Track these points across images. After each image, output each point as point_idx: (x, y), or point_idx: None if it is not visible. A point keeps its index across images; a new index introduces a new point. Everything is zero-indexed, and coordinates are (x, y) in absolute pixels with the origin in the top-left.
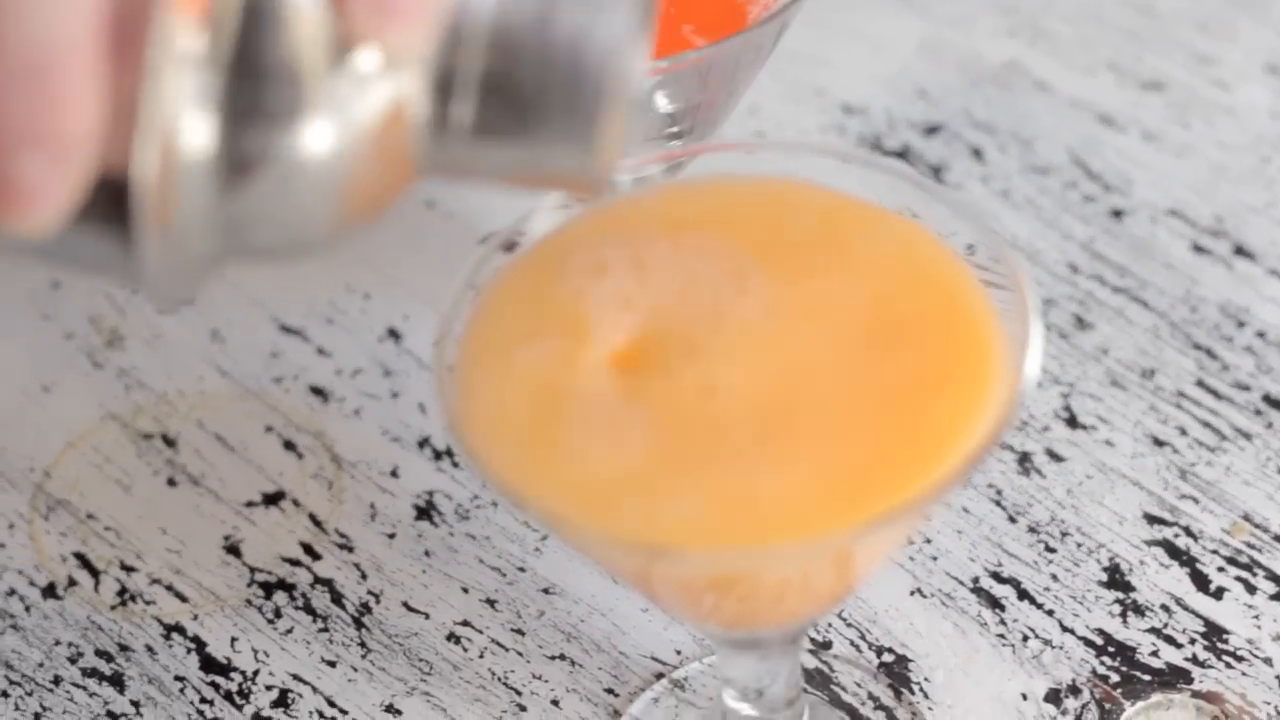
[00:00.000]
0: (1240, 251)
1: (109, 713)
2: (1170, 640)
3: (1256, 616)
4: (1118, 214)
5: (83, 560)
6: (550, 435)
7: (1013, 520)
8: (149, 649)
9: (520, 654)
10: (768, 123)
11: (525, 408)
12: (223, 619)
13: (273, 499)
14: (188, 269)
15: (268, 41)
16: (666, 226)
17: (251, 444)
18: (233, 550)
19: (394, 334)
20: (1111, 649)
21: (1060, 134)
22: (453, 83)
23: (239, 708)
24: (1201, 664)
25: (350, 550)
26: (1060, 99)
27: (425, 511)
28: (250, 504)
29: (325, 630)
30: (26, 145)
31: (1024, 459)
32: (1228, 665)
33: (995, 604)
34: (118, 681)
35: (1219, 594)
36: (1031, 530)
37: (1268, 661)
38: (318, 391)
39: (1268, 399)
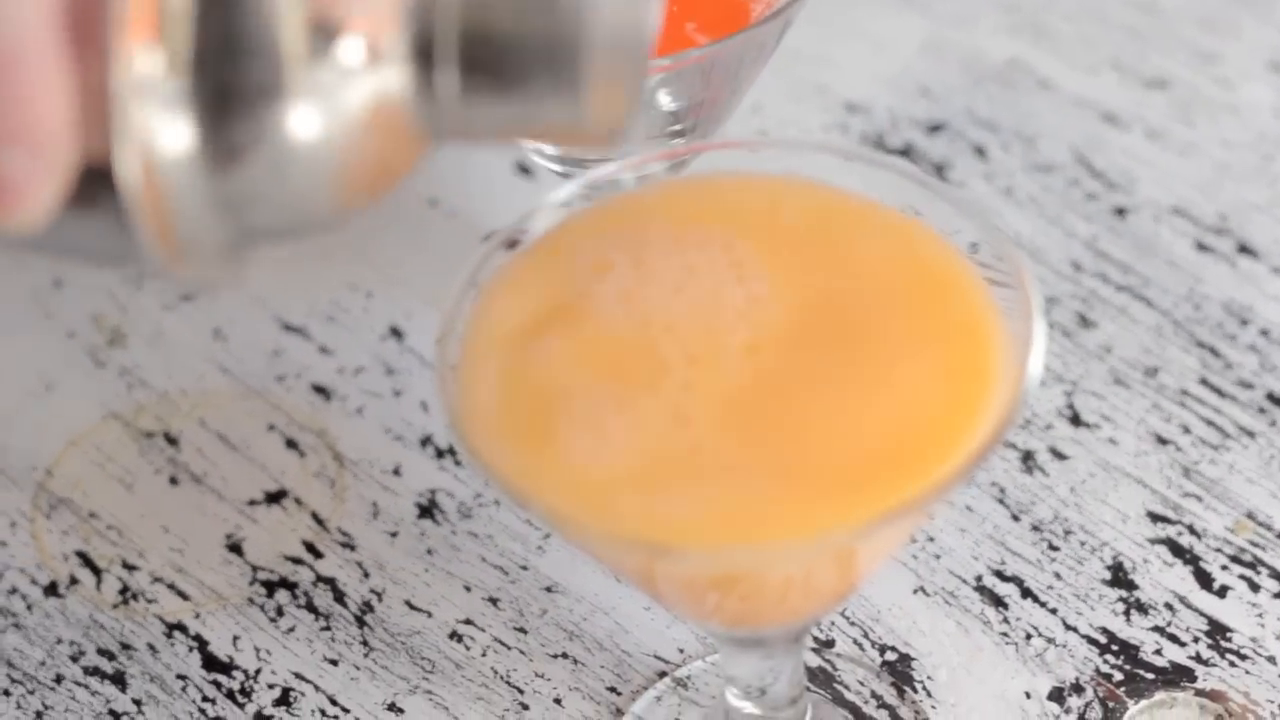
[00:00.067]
0: (1244, 249)
1: (111, 711)
2: (1174, 639)
3: (1260, 615)
4: (1121, 212)
5: (85, 559)
6: (552, 433)
7: (1016, 518)
8: (151, 647)
9: (523, 652)
10: (770, 121)
11: (527, 406)
12: (225, 617)
13: (275, 497)
14: (201, 254)
15: (235, 27)
16: (669, 225)
17: (254, 442)
18: (235, 549)
19: (396, 332)
20: (1115, 647)
21: (1063, 132)
22: (432, 49)
23: (241, 706)
24: (1205, 662)
25: (352, 549)
26: (1063, 97)
27: (427, 510)
28: (252, 502)
29: (327, 629)
30: (3, 141)
31: (1027, 457)
32: (1231, 664)
33: (998, 602)
34: (120, 680)
35: (1222, 592)
36: (1035, 528)
37: (1271, 660)
38: (320, 390)
39: (1271, 397)
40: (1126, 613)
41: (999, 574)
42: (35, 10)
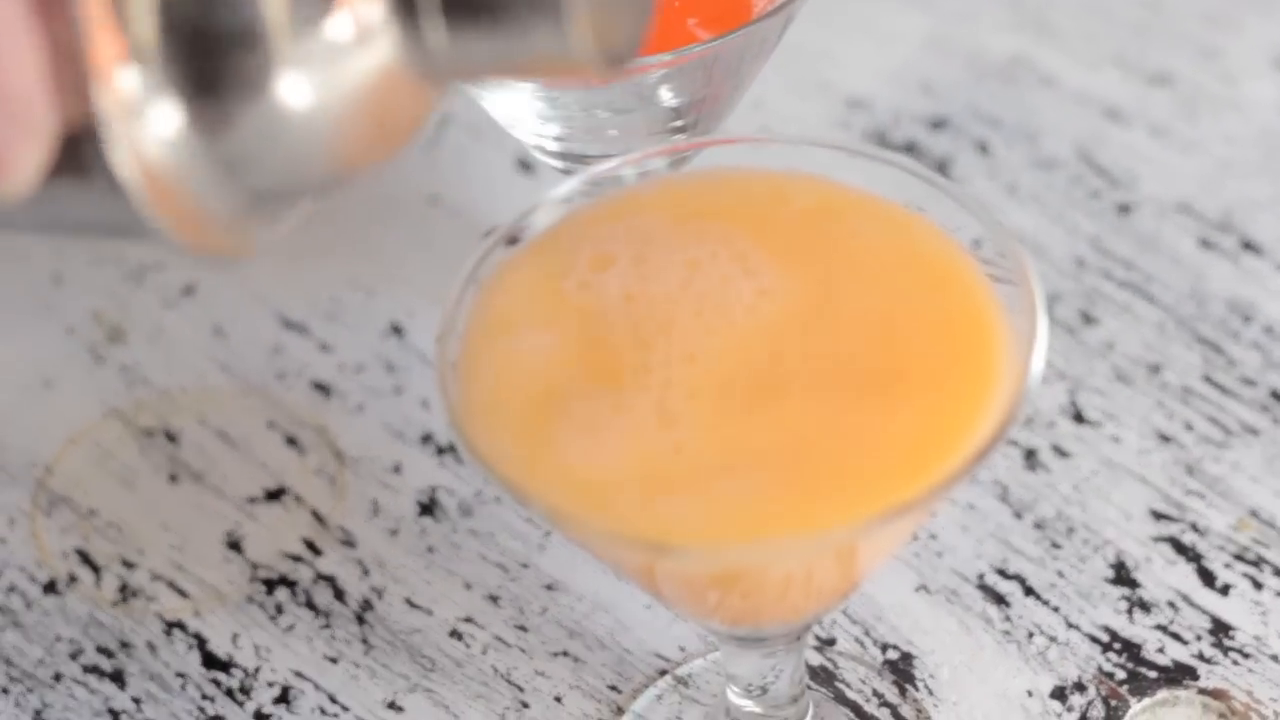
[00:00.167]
0: (1247, 246)
1: (110, 710)
2: (1176, 637)
3: (1263, 613)
4: (1124, 209)
5: (84, 556)
6: (553, 431)
7: (1018, 516)
8: (150, 645)
9: (523, 650)
10: (772, 117)
11: (528, 403)
12: (224, 615)
13: (275, 495)
14: (208, 219)
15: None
16: (670, 221)
17: (253, 440)
18: (234, 546)
19: (397, 329)
20: (1117, 646)
21: (1066, 129)
22: (414, 1)
23: (240, 705)
24: (1208, 661)
25: (352, 546)
26: (1066, 93)
27: (428, 507)
28: (252, 500)
29: (327, 627)
30: None
31: (1030, 455)
32: (1234, 662)
33: (1000, 600)
34: (119, 678)
35: (1225, 590)
36: (1037, 526)
37: (1274, 658)
38: (320, 387)
39: (1275, 394)
40: (1129, 611)
41: (1001, 572)
42: None
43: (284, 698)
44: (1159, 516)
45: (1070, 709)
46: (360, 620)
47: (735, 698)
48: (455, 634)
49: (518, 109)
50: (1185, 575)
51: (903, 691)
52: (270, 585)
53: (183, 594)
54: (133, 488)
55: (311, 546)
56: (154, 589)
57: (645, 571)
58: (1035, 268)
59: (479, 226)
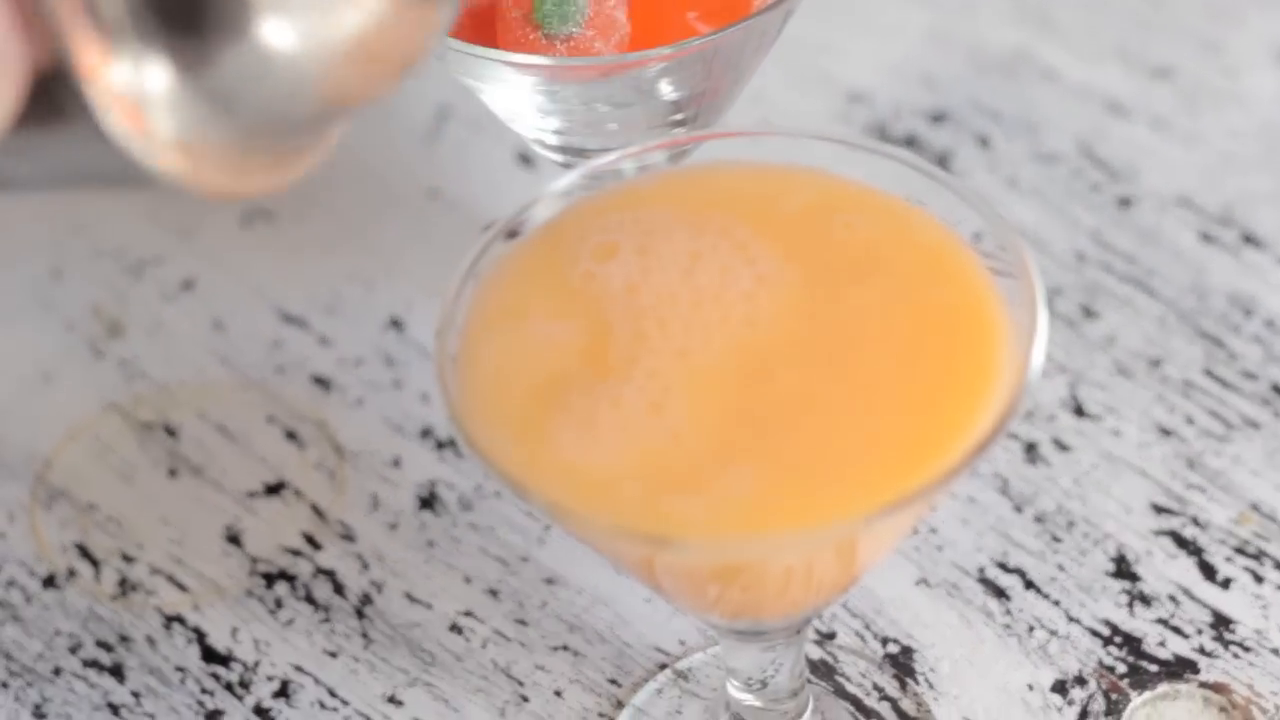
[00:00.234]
0: (1248, 240)
1: (109, 703)
2: (1177, 630)
3: (1264, 606)
4: (1125, 202)
5: (83, 550)
6: (553, 424)
7: (1019, 510)
8: (149, 639)
9: (523, 644)
10: (773, 110)
11: (528, 397)
12: (224, 609)
13: (274, 489)
14: (200, 158)
15: None
16: (671, 214)
17: (253, 434)
18: (234, 540)
19: (396, 323)
20: (1118, 639)
21: (1067, 122)
22: None
23: (240, 699)
24: (1209, 654)
25: (352, 540)
26: (1067, 87)
27: (428, 501)
28: (251, 494)
29: (327, 621)
30: None
31: (1030, 448)
32: (1235, 656)
33: (1001, 594)
34: (118, 672)
35: (1226, 584)
36: (1038, 520)
37: (1275, 652)
38: (320, 381)
39: (1275, 388)
40: (1130, 604)
41: (1002, 565)
42: None
43: (283, 692)
44: (1160, 510)
45: (1071, 702)
46: (360, 614)
47: (735, 691)
48: (455, 628)
49: (518, 103)
50: (1186, 569)
51: (903, 685)
52: (270, 579)
53: (182, 588)
54: (132, 482)
55: (311, 541)
56: (153, 583)
57: (645, 565)
58: (1036, 261)
59: (479, 220)
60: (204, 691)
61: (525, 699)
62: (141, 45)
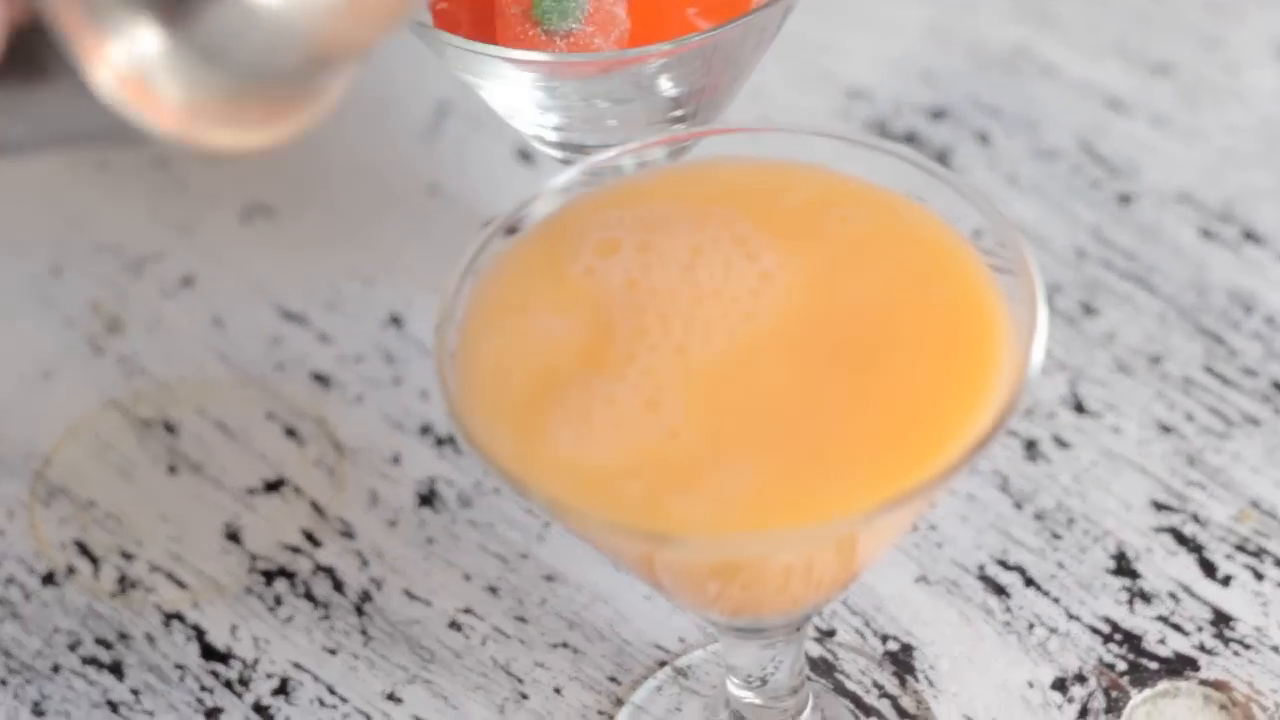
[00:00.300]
0: (1248, 236)
1: (108, 701)
2: (1177, 628)
3: (1264, 604)
4: (1125, 199)
5: (82, 548)
6: (552, 421)
7: (1019, 507)
8: (149, 637)
9: (522, 642)
10: (773, 107)
11: (527, 394)
12: (223, 607)
13: (274, 486)
14: (187, 111)
15: None
16: (670, 210)
17: (252, 431)
18: (233, 537)
19: (396, 320)
20: (1118, 637)
21: (1067, 118)
22: None
23: (239, 696)
24: (1209, 652)
25: (351, 537)
26: (1067, 83)
27: (427, 498)
28: (251, 491)
29: (326, 618)
30: None
31: (1030, 445)
32: (1235, 653)
33: (1001, 591)
34: (117, 669)
35: (1226, 581)
36: (1037, 517)
37: (1275, 649)
38: (319, 378)
39: (1276, 385)
40: (1130, 602)
41: (1001, 563)
42: None
43: (283, 689)
44: (1160, 507)
45: (1071, 700)
46: (359, 611)
47: (735, 689)
48: (454, 625)
49: (517, 99)
50: (1186, 566)
51: (903, 683)
52: (269, 576)
53: (181, 585)
54: (131, 479)
55: (310, 538)
56: (152, 580)
57: (645, 562)
58: (1036, 258)
59: (478, 216)
60: (203, 689)
61: (524, 696)
62: (124, 2)
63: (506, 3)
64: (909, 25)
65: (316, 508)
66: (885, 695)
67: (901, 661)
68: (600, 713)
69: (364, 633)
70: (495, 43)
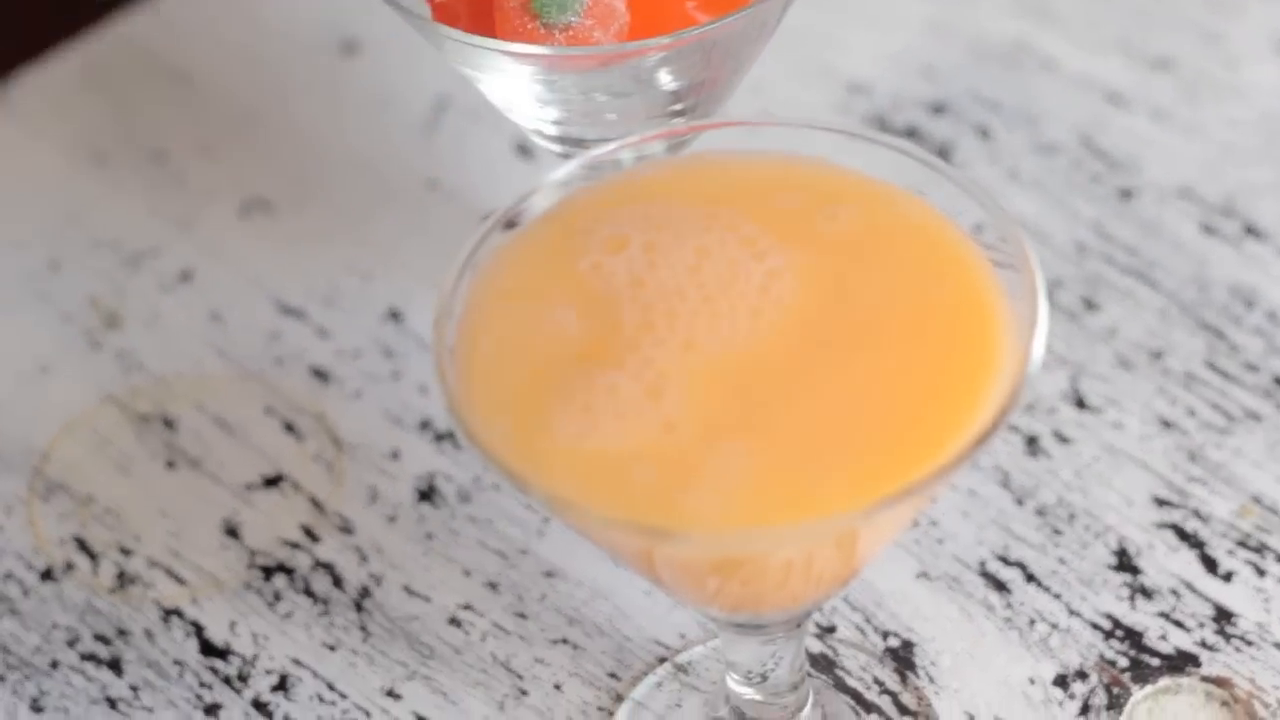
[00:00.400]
0: (1249, 231)
1: (107, 697)
2: (1179, 624)
3: (1266, 600)
4: (1126, 194)
5: (81, 543)
6: (552, 417)
7: (1020, 503)
8: (147, 633)
9: (522, 638)
10: (772, 100)
11: (527, 389)
12: (222, 602)
13: (272, 481)
14: None
15: None
16: (670, 204)
17: (251, 426)
18: (232, 533)
19: (395, 315)
20: (1119, 633)
21: (1068, 113)
22: None
23: (238, 692)
24: (1210, 648)
25: (351, 533)
26: (1068, 78)
27: (426, 494)
28: (250, 486)
29: (325, 614)
30: None
31: (1031, 441)
32: (1237, 649)
33: (1002, 587)
34: (116, 666)
35: (1228, 577)
36: (1039, 513)
37: (1277, 645)
38: (318, 373)
39: (1277, 380)
40: (1131, 598)
41: (1002, 559)
42: None
43: (282, 685)
44: (1161, 503)
45: (1072, 696)
46: (358, 607)
47: (735, 685)
48: (454, 621)
49: (516, 93)
50: (1187, 562)
51: (904, 679)
52: (268, 572)
53: (180, 581)
54: (130, 474)
55: (309, 533)
56: (151, 576)
57: (644, 557)
58: (1036, 253)
59: (477, 211)
60: (202, 685)
61: (524, 692)
62: None
63: None
64: (909, 19)
65: (315, 503)
66: (886, 692)
67: (902, 658)
68: (600, 709)
69: (363, 629)
70: (494, 36)
